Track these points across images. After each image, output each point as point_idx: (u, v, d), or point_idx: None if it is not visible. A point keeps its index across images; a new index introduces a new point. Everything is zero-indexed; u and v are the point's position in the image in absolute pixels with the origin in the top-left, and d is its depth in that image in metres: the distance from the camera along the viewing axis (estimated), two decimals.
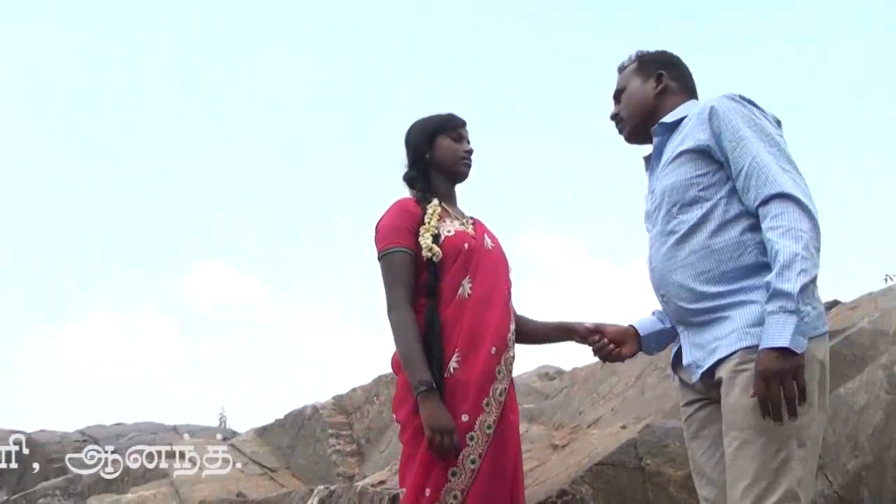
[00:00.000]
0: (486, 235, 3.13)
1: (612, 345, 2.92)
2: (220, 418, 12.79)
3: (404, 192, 3.18)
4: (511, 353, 2.99)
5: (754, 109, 2.49)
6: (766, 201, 2.33)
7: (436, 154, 3.17)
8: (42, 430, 11.89)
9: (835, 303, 5.45)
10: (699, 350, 2.48)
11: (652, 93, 2.76)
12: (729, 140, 2.44)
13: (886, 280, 7.62)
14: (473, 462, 2.81)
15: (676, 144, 2.58)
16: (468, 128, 3.24)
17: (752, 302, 2.35)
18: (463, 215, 3.18)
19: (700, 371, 2.48)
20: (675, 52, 2.85)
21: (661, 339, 2.87)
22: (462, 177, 3.21)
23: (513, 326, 3.03)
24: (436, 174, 3.18)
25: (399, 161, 3.23)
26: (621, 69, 2.88)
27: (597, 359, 3.06)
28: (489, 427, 2.85)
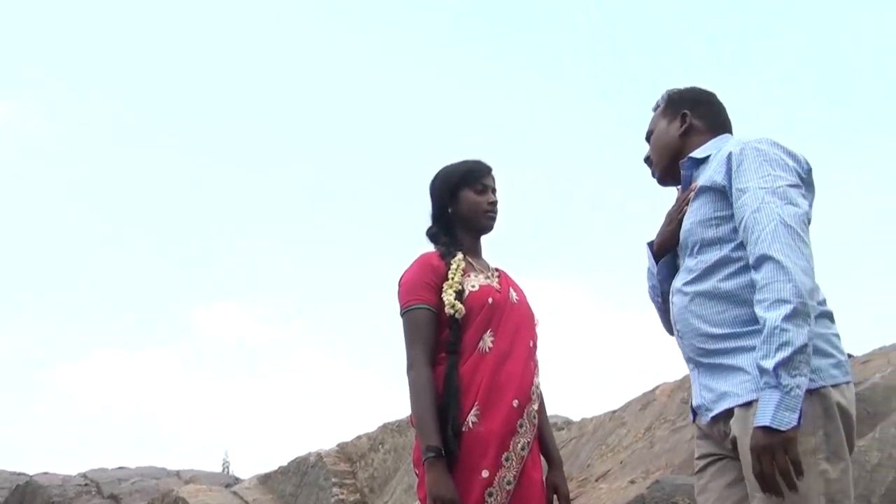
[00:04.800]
0: (511, 288, 3.08)
1: None
2: (224, 464, 12.73)
3: (429, 246, 3.15)
4: (535, 407, 2.93)
5: (780, 157, 2.42)
6: (756, 265, 2.30)
7: (459, 208, 3.13)
8: (44, 473, 11.84)
9: (847, 357, 5.38)
10: (709, 392, 2.44)
11: (676, 133, 2.72)
12: (737, 188, 2.41)
13: None
14: None
15: (700, 182, 2.55)
16: (495, 172, 3.19)
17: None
18: (488, 268, 3.14)
19: (710, 415, 2.44)
20: (708, 89, 2.80)
21: None
22: (486, 230, 3.17)
23: (537, 380, 2.98)
24: (460, 228, 3.14)
25: (425, 211, 3.19)
26: (655, 109, 2.85)
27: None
28: (509, 483, 2.79)
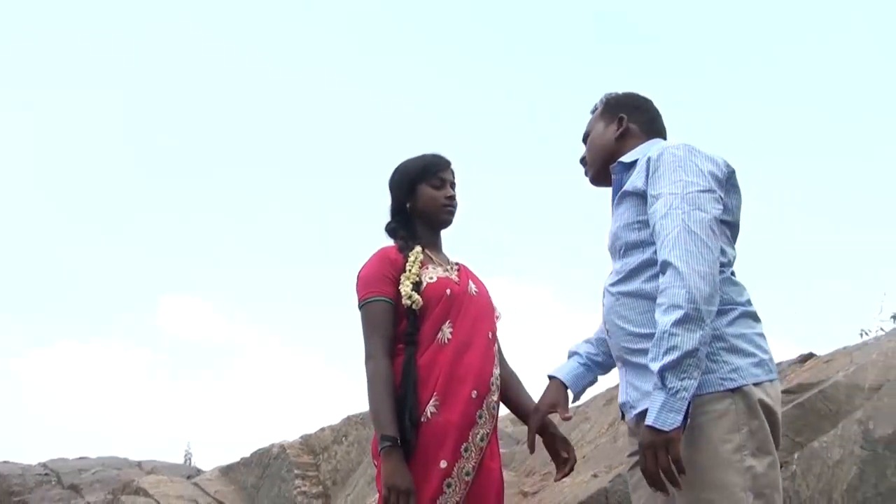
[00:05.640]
0: (470, 281, 3.08)
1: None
2: (186, 455, 12.64)
3: (388, 241, 3.13)
4: (494, 398, 2.93)
5: (695, 163, 2.44)
6: (661, 270, 2.33)
7: (417, 204, 3.12)
8: (4, 462, 11.69)
9: (810, 356, 5.41)
10: (634, 391, 2.48)
11: (612, 136, 2.75)
12: (651, 194, 2.45)
13: (862, 335, 7.62)
14: None
15: (625, 186, 2.58)
16: (454, 166, 3.18)
17: None
18: (448, 261, 3.14)
19: (633, 412, 2.48)
20: (644, 95, 2.84)
21: (586, 388, 2.94)
22: (444, 224, 3.16)
23: (496, 371, 2.97)
24: (418, 222, 3.13)
25: (384, 206, 3.18)
26: (592, 112, 2.89)
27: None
28: (468, 474, 2.79)
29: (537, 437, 2.91)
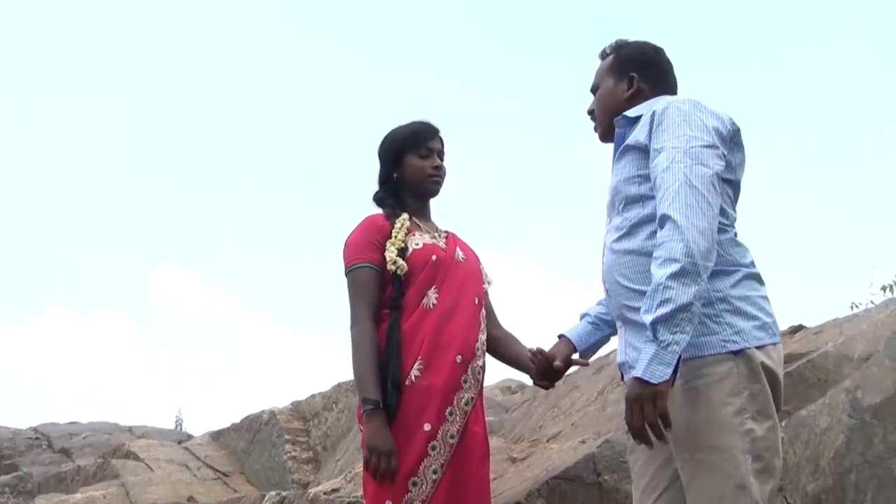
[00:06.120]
0: (458, 248, 3.08)
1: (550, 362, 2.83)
2: (177, 421, 12.67)
3: (376, 210, 3.13)
4: (480, 363, 2.94)
5: (700, 118, 2.40)
6: (660, 224, 2.30)
7: (404, 173, 3.11)
8: None
9: (800, 327, 5.42)
10: (633, 350, 2.43)
11: (623, 96, 2.68)
12: (654, 148, 2.41)
13: (853, 308, 7.61)
14: (435, 472, 2.76)
15: (628, 140, 2.54)
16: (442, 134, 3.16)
17: None
18: (436, 229, 3.13)
19: (632, 372, 2.42)
20: (655, 45, 2.76)
21: (596, 347, 2.91)
22: (431, 194, 3.15)
23: (482, 336, 2.98)
24: (406, 192, 3.12)
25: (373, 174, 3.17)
26: (602, 57, 2.80)
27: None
28: (452, 437, 2.80)
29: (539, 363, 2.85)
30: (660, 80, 2.70)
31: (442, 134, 3.17)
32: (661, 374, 2.16)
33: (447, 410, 2.81)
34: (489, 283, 3.18)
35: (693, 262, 2.18)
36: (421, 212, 3.13)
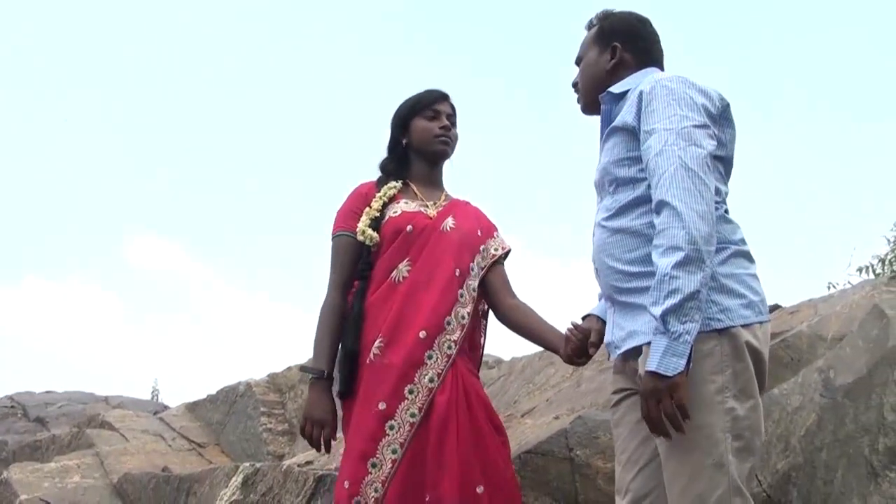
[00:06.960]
0: (451, 217, 3.00)
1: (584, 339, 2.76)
2: (153, 392, 12.65)
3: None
4: (452, 337, 2.85)
5: (689, 96, 2.36)
6: (656, 210, 2.27)
7: (412, 138, 3.09)
8: None
9: (775, 307, 5.43)
10: (620, 330, 2.44)
11: (605, 67, 2.66)
12: (644, 130, 2.38)
13: (829, 288, 7.66)
14: (395, 452, 2.73)
15: (615, 121, 2.51)
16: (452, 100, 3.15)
17: None
18: (438, 197, 3.09)
19: (618, 352, 2.46)
20: (641, 16, 2.71)
21: None
22: (440, 155, 3.11)
23: (459, 309, 2.90)
24: (415, 157, 3.10)
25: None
26: (588, 27, 2.77)
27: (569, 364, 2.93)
28: (413, 416, 2.76)
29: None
30: (644, 51, 2.67)
31: (453, 101, 3.15)
32: (675, 365, 2.13)
33: (406, 388, 2.77)
34: (494, 255, 3.09)
35: (696, 249, 2.16)
36: (427, 178, 3.11)
